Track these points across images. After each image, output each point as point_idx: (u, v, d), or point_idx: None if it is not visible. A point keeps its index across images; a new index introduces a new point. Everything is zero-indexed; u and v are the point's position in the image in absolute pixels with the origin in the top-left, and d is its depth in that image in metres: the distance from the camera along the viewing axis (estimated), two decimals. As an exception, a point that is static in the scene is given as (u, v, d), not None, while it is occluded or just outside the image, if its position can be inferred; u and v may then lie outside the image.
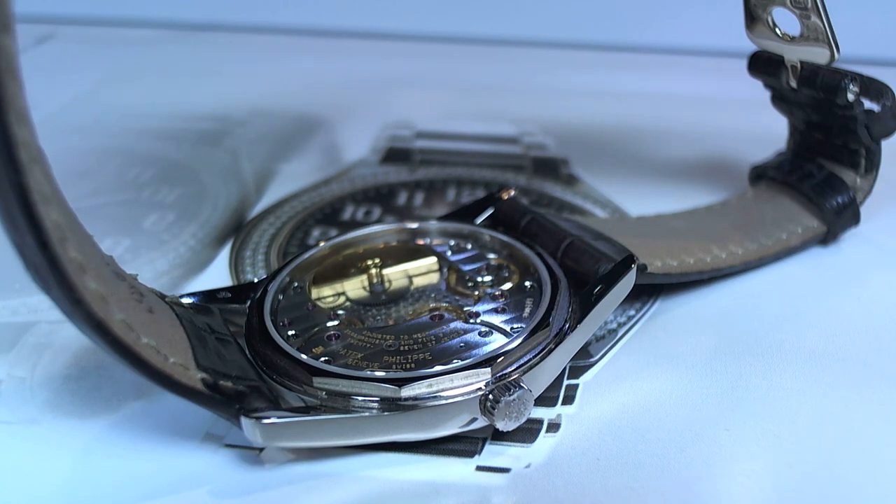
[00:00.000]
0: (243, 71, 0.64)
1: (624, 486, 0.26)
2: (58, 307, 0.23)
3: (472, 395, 0.26)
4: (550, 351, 0.28)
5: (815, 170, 0.38)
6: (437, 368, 0.27)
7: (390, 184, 0.46)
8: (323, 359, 0.28)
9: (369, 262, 0.33)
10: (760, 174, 0.41)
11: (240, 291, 0.31)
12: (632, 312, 0.34)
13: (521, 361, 0.27)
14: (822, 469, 0.27)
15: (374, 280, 0.32)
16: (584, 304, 0.29)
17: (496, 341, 0.28)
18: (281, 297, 0.31)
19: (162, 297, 0.28)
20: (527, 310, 0.30)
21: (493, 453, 0.28)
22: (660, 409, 0.29)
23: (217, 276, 0.38)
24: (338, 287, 0.32)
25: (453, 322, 0.29)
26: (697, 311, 0.34)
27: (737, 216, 0.38)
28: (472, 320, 0.30)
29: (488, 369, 0.26)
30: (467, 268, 0.33)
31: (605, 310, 0.30)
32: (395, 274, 0.33)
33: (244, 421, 0.25)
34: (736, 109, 0.54)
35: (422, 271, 0.33)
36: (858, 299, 0.35)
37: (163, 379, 0.25)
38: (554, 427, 0.29)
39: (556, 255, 0.32)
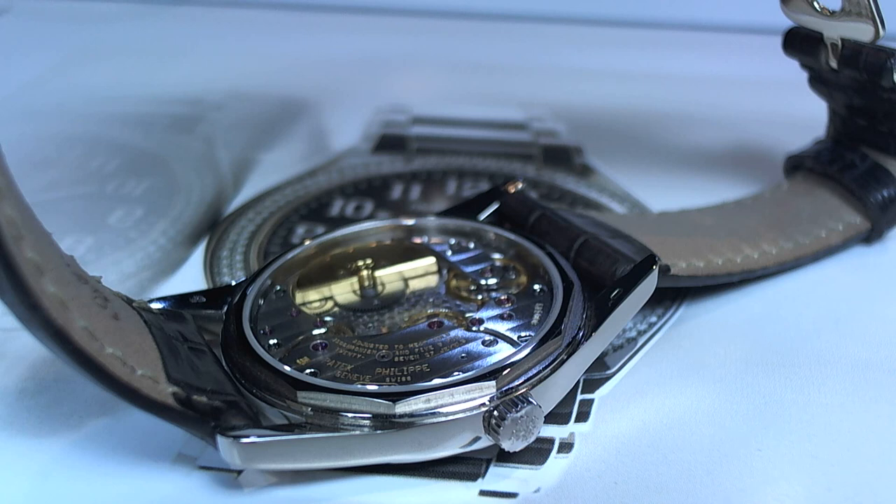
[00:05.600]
0: (219, 49, 0.64)
1: (644, 512, 0.26)
2: (12, 313, 0.23)
3: (474, 412, 0.26)
4: (562, 362, 0.28)
5: (857, 159, 0.38)
6: (436, 382, 0.27)
7: (383, 175, 0.46)
8: (308, 371, 0.28)
9: (360, 263, 0.33)
10: (797, 164, 0.41)
11: (216, 296, 0.31)
12: (653, 319, 0.34)
13: (530, 374, 0.27)
14: (866, 493, 0.27)
15: (366, 283, 0.32)
16: (601, 310, 0.29)
17: (502, 351, 0.28)
18: (261, 301, 0.31)
19: (129, 301, 0.28)
20: (536, 316, 0.30)
21: (499, 476, 0.28)
22: (684, 427, 0.29)
23: (190, 278, 0.38)
24: (325, 291, 0.32)
25: (454, 330, 0.29)
26: (726, 318, 0.34)
27: (770, 211, 0.38)
28: (474, 328, 0.30)
29: (493, 383, 0.26)
30: (469, 269, 0.33)
31: (624, 316, 0.30)
32: (389, 276, 0.33)
33: (220, 440, 0.25)
34: (769, 92, 0.54)
35: (419, 273, 0.33)
36: (906, 304, 0.35)
37: (129, 393, 0.25)
38: (566, 447, 0.29)
39: (569, 256, 0.32)
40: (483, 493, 0.27)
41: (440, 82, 0.59)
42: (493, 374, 0.27)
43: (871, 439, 0.28)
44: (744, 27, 0.65)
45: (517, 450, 0.26)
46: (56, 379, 0.31)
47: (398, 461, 0.26)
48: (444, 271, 0.33)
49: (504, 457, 0.28)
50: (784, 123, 0.49)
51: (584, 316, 0.29)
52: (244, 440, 0.25)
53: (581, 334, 0.29)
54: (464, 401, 0.26)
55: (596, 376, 0.31)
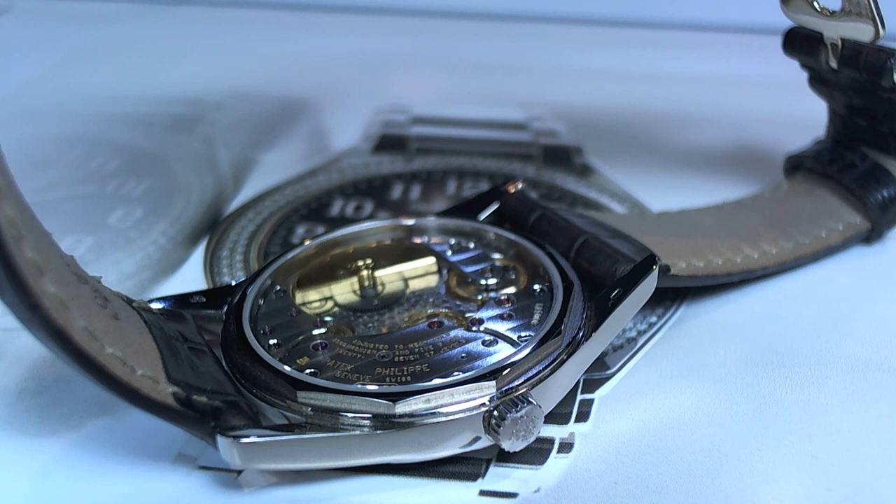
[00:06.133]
0: (219, 49, 0.64)
1: (644, 512, 0.26)
2: (12, 313, 0.23)
3: (474, 412, 0.26)
4: (562, 362, 0.28)
5: (857, 159, 0.38)
6: (436, 382, 0.27)
7: (384, 175, 0.46)
8: (308, 371, 0.28)
9: (360, 263, 0.33)
10: (797, 164, 0.41)
11: (216, 296, 0.31)
12: (653, 319, 0.34)
13: (530, 374, 0.27)
14: (866, 493, 0.27)
15: (366, 283, 0.32)
16: (601, 310, 0.29)
17: (502, 351, 0.28)
18: (261, 301, 0.31)
19: (129, 301, 0.28)
20: (536, 316, 0.30)
21: (499, 476, 0.28)
22: (684, 427, 0.29)
23: (190, 278, 0.38)
24: (325, 291, 0.32)
25: (454, 330, 0.29)
26: (726, 318, 0.34)
27: (770, 211, 0.38)
28: (474, 328, 0.30)
29: (493, 383, 0.26)
30: (469, 269, 0.33)
31: (624, 316, 0.30)
32: (389, 276, 0.33)
33: (220, 440, 0.25)
34: (769, 92, 0.54)
35: (419, 273, 0.33)
36: (906, 304, 0.35)
37: (129, 393, 0.25)
38: (566, 447, 0.29)
39: (569, 256, 0.32)
40: (483, 493, 0.27)
41: (440, 82, 0.59)
42: (493, 374, 0.27)
43: (871, 439, 0.28)
44: (744, 27, 0.65)
45: (517, 450, 0.26)
46: (56, 379, 0.31)
47: (398, 461, 0.26)
48: (444, 271, 0.33)
49: (504, 457, 0.28)
50: (784, 123, 0.49)
51: (584, 316, 0.29)
52: (244, 440, 0.25)
53: (581, 334, 0.29)
54: (464, 401, 0.26)
55: (596, 376, 0.31)
